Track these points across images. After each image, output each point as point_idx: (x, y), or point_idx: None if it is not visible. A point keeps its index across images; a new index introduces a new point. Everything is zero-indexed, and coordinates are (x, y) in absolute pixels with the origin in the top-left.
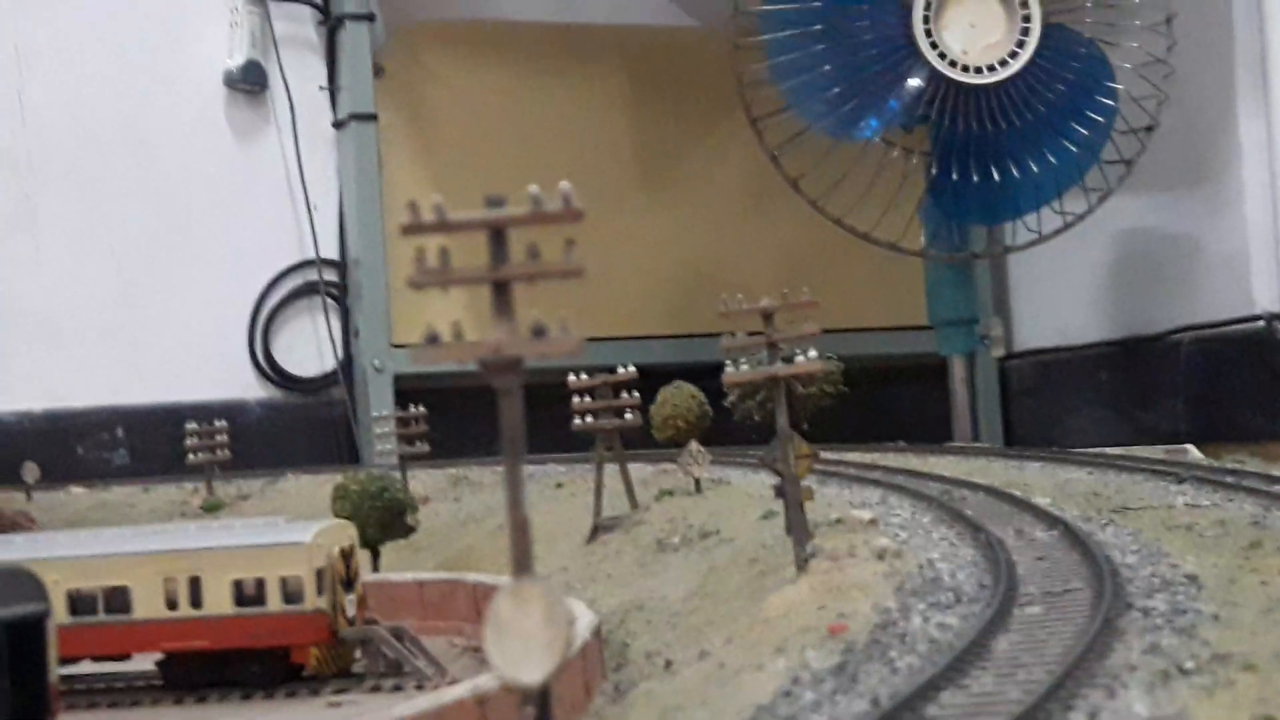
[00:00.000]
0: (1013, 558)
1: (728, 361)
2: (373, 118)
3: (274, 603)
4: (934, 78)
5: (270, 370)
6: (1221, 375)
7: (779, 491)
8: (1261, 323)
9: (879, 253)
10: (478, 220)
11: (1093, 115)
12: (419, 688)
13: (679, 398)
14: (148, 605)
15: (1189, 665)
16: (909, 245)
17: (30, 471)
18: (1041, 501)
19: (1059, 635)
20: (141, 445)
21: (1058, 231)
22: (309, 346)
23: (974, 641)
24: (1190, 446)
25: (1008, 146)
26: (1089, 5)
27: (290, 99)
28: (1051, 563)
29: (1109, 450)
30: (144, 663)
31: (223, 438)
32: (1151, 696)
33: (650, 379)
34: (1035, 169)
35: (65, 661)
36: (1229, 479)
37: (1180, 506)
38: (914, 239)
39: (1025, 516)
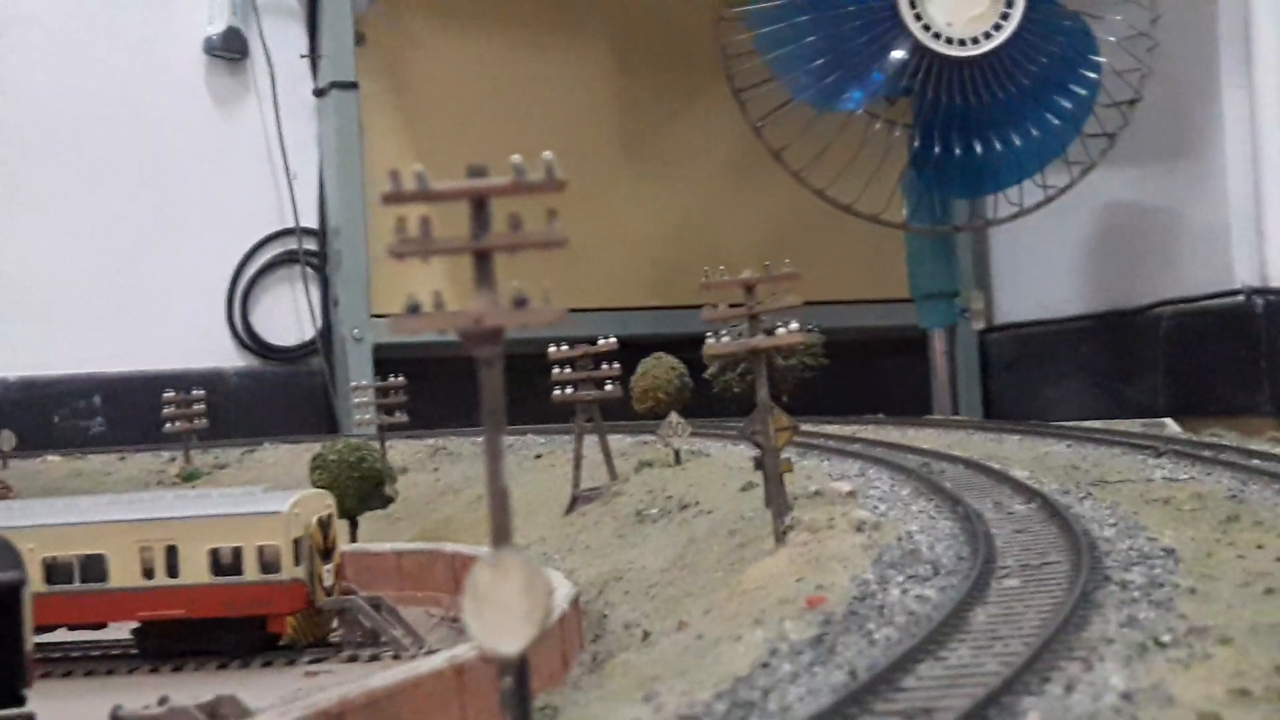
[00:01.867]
0: (991, 530)
1: (709, 333)
2: (354, 86)
3: (251, 572)
4: (917, 50)
5: (249, 339)
6: (1201, 349)
7: (758, 463)
8: (1241, 297)
9: (861, 225)
10: (459, 190)
11: (1076, 88)
12: (396, 657)
13: (659, 369)
14: (124, 574)
15: (1166, 638)
16: (891, 218)
17: (6, 440)
18: (1020, 474)
19: (1036, 608)
20: (119, 414)
21: (1039, 205)
22: (288, 316)
23: (952, 614)
24: (1169, 420)
25: (990, 119)
26: None
27: (271, 67)
28: (1030, 535)
29: (1088, 423)
30: (120, 631)
31: (200, 407)
32: (1128, 669)
33: (631, 350)
34: (1018, 142)
35: (41, 630)
36: (1207, 453)
37: (1158, 480)
38: (896, 212)
39: (1004, 489)
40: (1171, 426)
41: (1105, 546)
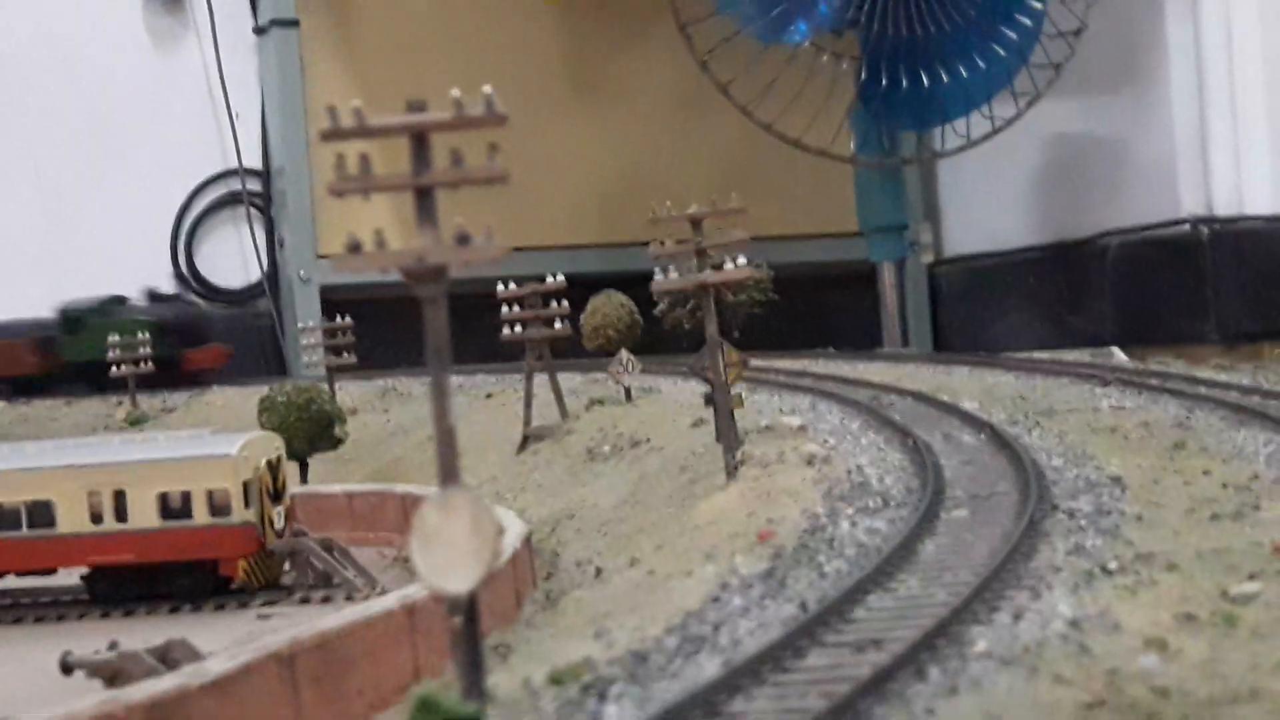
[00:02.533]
0: (940, 462)
1: (657, 269)
2: (295, 23)
3: (201, 516)
4: None
5: (194, 282)
6: (1147, 279)
7: (709, 399)
8: (1187, 226)
9: (809, 159)
10: (398, 125)
11: (1021, 19)
12: (349, 599)
13: (609, 306)
14: (72, 519)
15: (1112, 565)
16: (839, 151)
17: None
18: (969, 406)
19: (985, 538)
20: None
21: (986, 136)
22: (233, 257)
23: (901, 545)
24: (1116, 349)
25: (937, 51)
26: None
27: (210, 5)
28: (978, 467)
29: (1036, 354)
30: (69, 577)
31: (146, 350)
32: (1075, 596)
33: (580, 288)
34: (964, 73)
35: None
36: (1153, 381)
37: (1105, 409)
38: (844, 145)
39: (953, 421)
40: (1119, 356)
41: (1053, 476)
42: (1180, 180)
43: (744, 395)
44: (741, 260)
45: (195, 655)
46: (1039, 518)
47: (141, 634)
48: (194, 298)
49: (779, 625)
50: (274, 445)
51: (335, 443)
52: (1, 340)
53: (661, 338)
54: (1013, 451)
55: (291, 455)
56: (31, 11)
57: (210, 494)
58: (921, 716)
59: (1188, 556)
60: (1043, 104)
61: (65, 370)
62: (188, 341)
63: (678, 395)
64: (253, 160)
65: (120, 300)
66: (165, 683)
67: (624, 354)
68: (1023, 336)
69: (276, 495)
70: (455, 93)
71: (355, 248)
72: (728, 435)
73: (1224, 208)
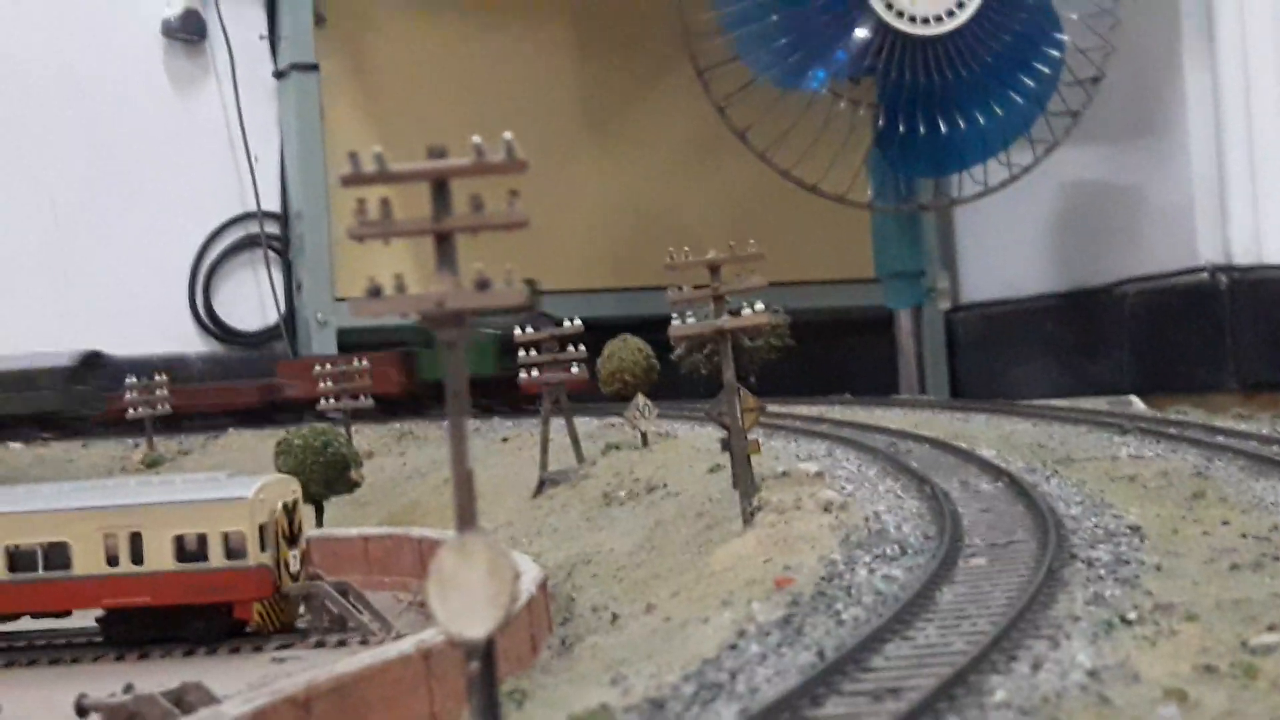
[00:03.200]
0: (958, 509)
1: (674, 314)
2: (314, 67)
3: (216, 558)
4: (881, 28)
5: (211, 324)
6: (1166, 327)
7: (725, 445)
8: (1205, 274)
9: (826, 205)
10: (419, 171)
11: (1039, 67)
12: (364, 643)
13: (626, 351)
14: (88, 561)
15: (1132, 615)
16: (856, 197)
17: None
18: (987, 453)
19: (1003, 586)
20: None
21: (1004, 183)
22: (251, 300)
23: (919, 593)
24: (1134, 397)
25: (954, 98)
26: None
27: (230, 48)
28: (996, 514)
29: (1054, 402)
30: (85, 619)
31: (163, 392)
32: (1095, 646)
33: (597, 332)
34: (982, 121)
35: (4, 618)
36: (1172, 430)
37: (1124, 458)
38: (861, 191)
39: (970, 468)
40: (1137, 404)
41: (1071, 524)
42: (1198, 228)
43: (761, 441)
44: (759, 305)
45: (210, 699)
46: (1057, 566)
47: (156, 677)
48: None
49: (796, 673)
50: (290, 488)
51: (351, 486)
52: (373, 356)
53: (678, 383)
54: (1031, 499)
55: (308, 498)
56: (54, 53)
57: (226, 537)
58: None
59: (1207, 607)
60: (1061, 151)
61: (424, 389)
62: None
63: (694, 440)
64: (271, 203)
65: None
66: None
67: (640, 399)
68: (1040, 384)
69: (292, 538)
70: (476, 139)
71: (375, 292)
72: (744, 481)
73: (1242, 256)
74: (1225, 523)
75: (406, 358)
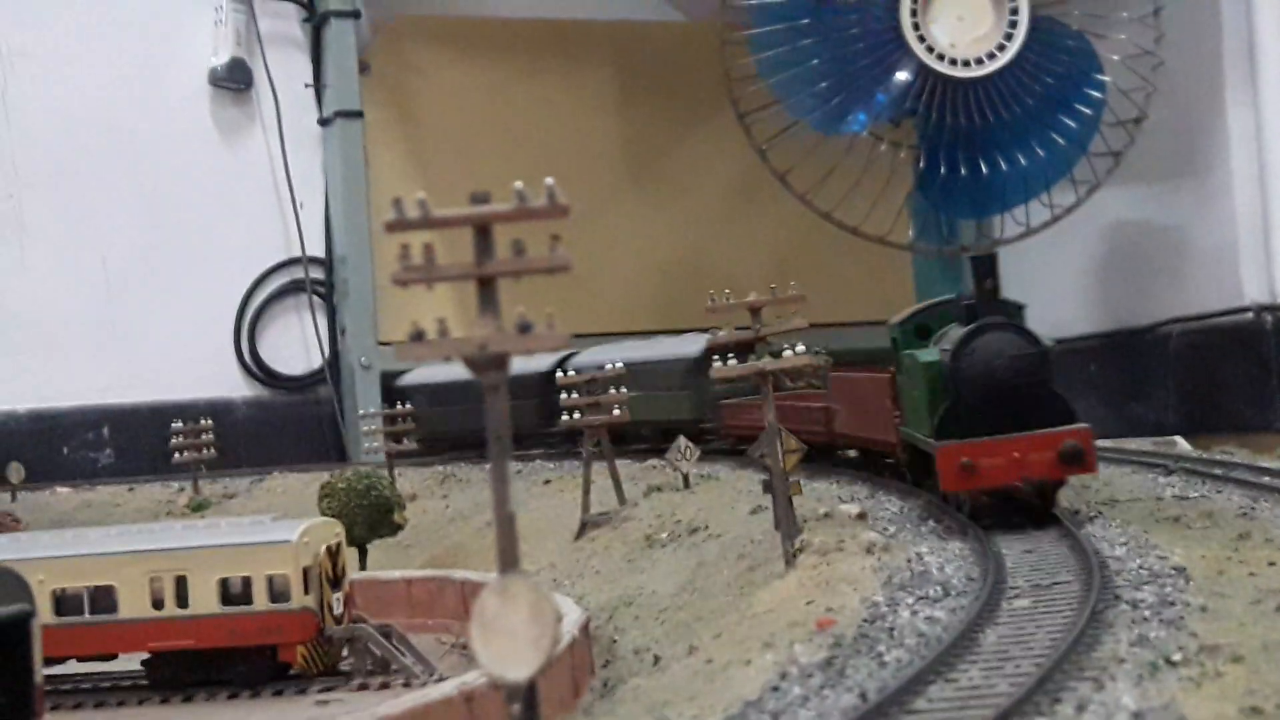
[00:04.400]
0: (1001, 550)
1: (716, 357)
2: (358, 115)
3: (260, 601)
4: (921, 71)
5: (256, 368)
6: (1210, 367)
7: (767, 486)
8: (1250, 314)
9: (867, 247)
10: (462, 216)
11: (1081, 108)
12: (406, 685)
13: None
14: (133, 604)
15: (1177, 657)
16: (897, 239)
17: (15, 472)
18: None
19: (1047, 628)
20: (127, 444)
21: (1046, 224)
22: (295, 344)
23: (962, 635)
24: (1179, 438)
25: (996, 139)
26: None
27: (275, 96)
28: (1040, 555)
29: (1099, 442)
30: (130, 662)
31: (209, 436)
32: (1140, 688)
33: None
34: (1023, 162)
35: (51, 661)
36: (1217, 470)
37: (1169, 498)
38: (902, 233)
39: (1013, 509)
40: (1182, 444)
41: (1116, 565)
42: (1243, 267)
43: (803, 482)
44: (800, 348)
45: None
46: (1101, 608)
47: None
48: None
49: (839, 715)
50: (334, 531)
51: (395, 529)
52: None
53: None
54: (1075, 540)
55: (351, 541)
56: (101, 102)
57: (270, 580)
58: None
59: (1253, 648)
60: (1103, 192)
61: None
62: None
63: (736, 482)
64: (316, 249)
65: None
66: None
67: (682, 441)
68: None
69: (336, 581)
70: (518, 185)
71: (419, 336)
72: (786, 522)
73: None
74: (1272, 564)
75: None
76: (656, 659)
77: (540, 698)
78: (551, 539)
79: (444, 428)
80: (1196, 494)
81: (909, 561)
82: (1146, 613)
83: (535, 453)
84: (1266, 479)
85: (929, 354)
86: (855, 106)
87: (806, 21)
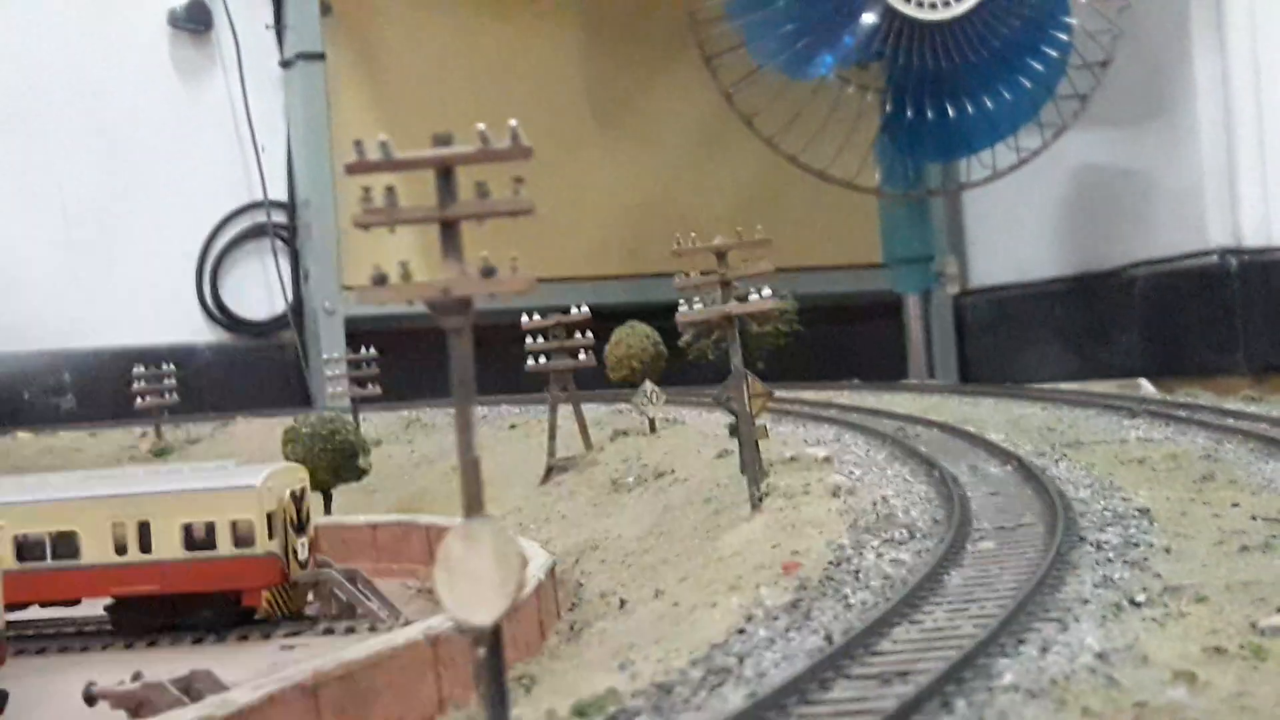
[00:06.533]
0: (966, 493)
1: (682, 301)
2: (320, 57)
3: (225, 547)
4: (888, 14)
5: (219, 313)
6: (1175, 310)
7: (733, 430)
8: (1215, 257)
9: (834, 191)
10: (424, 159)
11: (1047, 50)
12: (372, 630)
13: (633, 338)
14: (96, 550)
15: (1141, 598)
16: (864, 183)
17: None
18: (995, 437)
19: (1012, 569)
20: (89, 390)
21: (1012, 168)
22: (259, 289)
23: (927, 577)
24: (1144, 381)
25: (962, 83)
26: None
27: (236, 38)
28: (1005, 498)
29: (1063, 385)
30: (93, 608)
31: (171, 382)
32: (1104, 629)
33: (604, 319)
34: (990, 105)
35: (13, 607)
36: (1181, 413)
37: (1133, 441)
38: (869, 177)
39: (979, 452)
40: (1146, 387)
41: (1080, 508)
42: (1208, 211)
43: (769, 426)
44: (766, 291)
45: (219, 686)
46: (1066, 550)
47: (165, 665)
48: None
49: (804, 657)
50: (298, 476)
51: (359, 474)
52: None
53: (686, 369)
54: (1039, 483)
55: (316, 486)
56: (58, 45)
57: (234, 525)
58: None
59: (1216, 589)
60: (1069, 135)
61: None
62: None
63: (702, 426)
64: (278, 193)
65: None
66: (189, 714)
67: (648, 385)
68: (1049, 368)
69: (300, 526)
70: (481, 126)
71: (380, 280)
72: (752, 467)
73: (1252, 238)
74: (1235, 505)
75: None
76: (623, 603)
77: (505, 641)
78: (517, 484)
79: None
80: (1161, 436)
81: (874, 505)
82: (1111, 554)
83: (501, 397)
84: (1230, 421)
85: None
86: (822, 49)
87: None
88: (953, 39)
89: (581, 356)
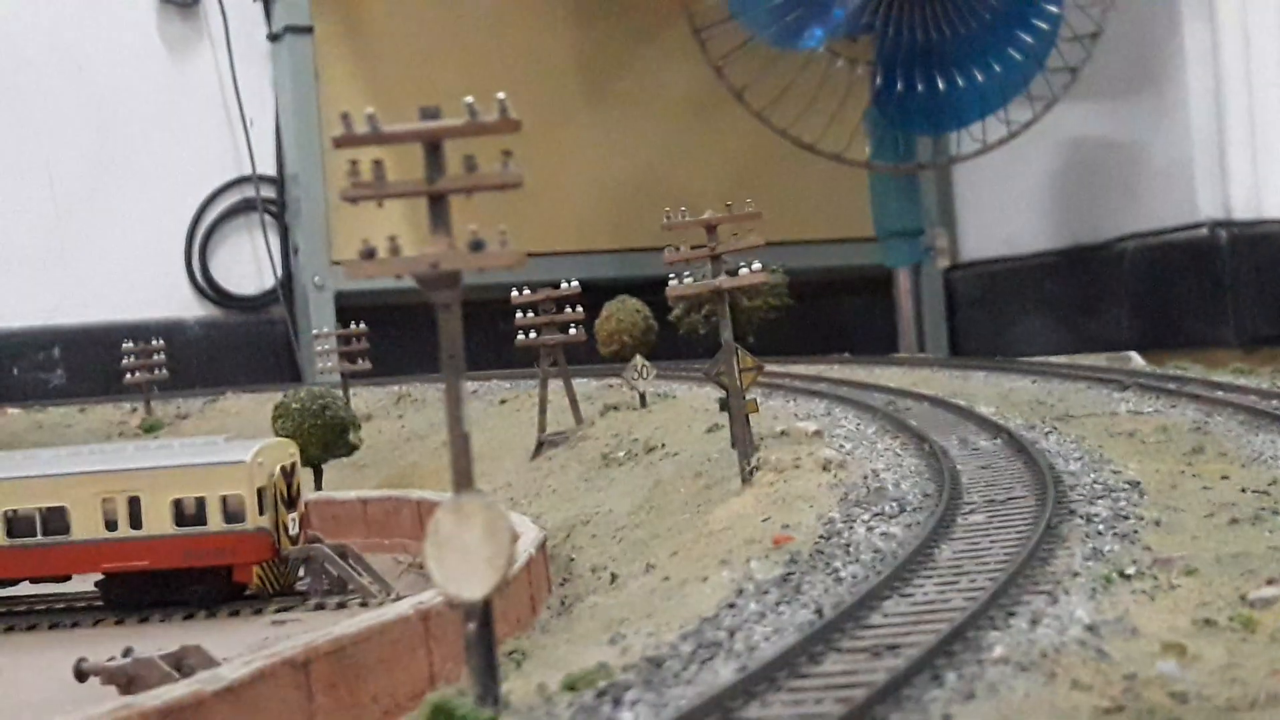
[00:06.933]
0: (956, 467)
1: (672, 275)
2: (308, 30)
3: (215, 522)
4: None
5: (208, 288)
6: (1165, 282)
7: (724, 405)
8: (1205, 230)
9: (824, 164)
10: (412, 132)
11: (1037, 22)
12: (363, 605)
13: (624, 312)
14: (86, 526)
15: (1130, 570)
16: (854, 156)
17: None
18: (985, 410)
19: (1002, 542)
20: (78, 365)
21: (1002, 140)
22: (248, 264)
23: (917, 550)
24: (1134, 354)
25: (952, 55)
26: None
27: (224, 11)
28: (995, 471)
29: (1054, 359)
30: (84, 583)
31: (161, 357)
32: (1094, 601)
33: (595, 294)
34: (980, 78)
35: (3, 583)
36: (1171, 385)
37: (1123, 413)
38: (859, 150)
39: (969, 425)
40: (1136, 360)
41: (1070, 480)
42: (1198, 184)
43: (759, 400)
44: (756, 265)
45: (210, 661)
46: (1056, 522)
47: (156, 640)
48: None
49: (795, 630)
50: (288, 451)
51: (350, 449)
52: None
53: (676, 343)
54: (1030, 456)
55: (306, 461)
56: (45, 20)
57: (224, 500)
58: None
59: (1206, 561)
60: (1060, 108)
61: None
62: None
63: (693, 401)
64: (267, 167)
65: None
66: (180, 689)
67: (639, 359)
68: (1039, 341)
69: (291, 501)
70: (469, 99)
71: (369, 254)
72: (743, 441)
73: (1242, 211)
74: (1224, 477)
75: None
76: (614, 577)
77: (496, 616)
78: (508, 458)
79: None
80: (1151, 409)
81: (865, 478)
82: (1100, 527)
83: (491, 372)
84: (1219, 394)
85: None
86: (812, 21)
87: None
88: (942, 11)
89: (572, 331)
